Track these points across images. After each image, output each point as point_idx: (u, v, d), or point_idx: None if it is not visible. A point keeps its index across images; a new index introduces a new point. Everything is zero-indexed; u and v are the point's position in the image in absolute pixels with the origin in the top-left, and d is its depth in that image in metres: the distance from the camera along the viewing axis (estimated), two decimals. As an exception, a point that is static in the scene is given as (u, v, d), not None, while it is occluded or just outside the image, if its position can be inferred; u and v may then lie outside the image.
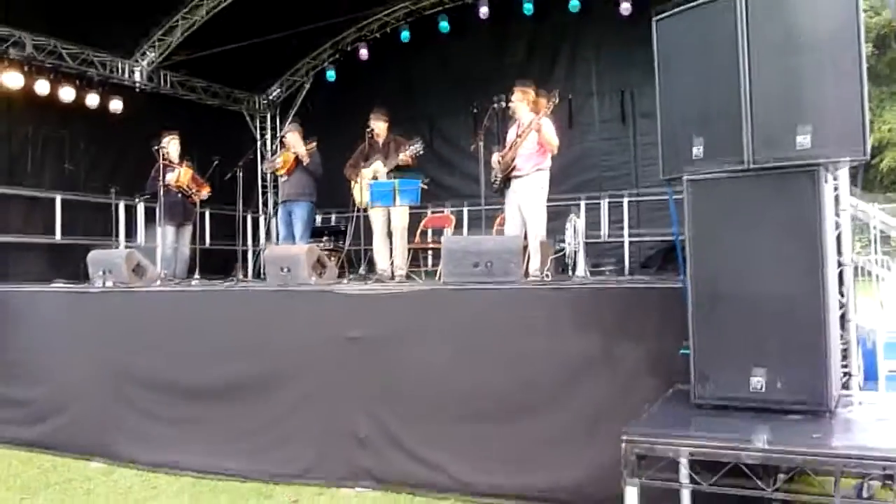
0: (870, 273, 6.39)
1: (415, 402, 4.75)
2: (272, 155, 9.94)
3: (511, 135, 6.65)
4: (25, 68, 8.79)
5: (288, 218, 8.26)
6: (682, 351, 3.50)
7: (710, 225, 3.41)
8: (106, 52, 9.83)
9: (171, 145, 8.22)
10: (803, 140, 3.16)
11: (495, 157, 6.66)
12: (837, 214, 3.82)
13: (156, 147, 8.03)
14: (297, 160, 8.07)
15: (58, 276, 7.30)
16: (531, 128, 6.35)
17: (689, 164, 3.44)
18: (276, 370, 5.21)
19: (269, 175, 11.77)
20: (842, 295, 3.74)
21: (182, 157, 8.39)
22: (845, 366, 3.72)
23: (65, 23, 9.02)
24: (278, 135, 11.76)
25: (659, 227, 9.10)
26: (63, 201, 9.26)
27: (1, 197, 8.70)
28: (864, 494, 2.87)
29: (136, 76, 10.27)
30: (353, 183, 7.65)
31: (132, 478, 5.30)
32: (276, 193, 9.65)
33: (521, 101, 6.50)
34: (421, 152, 7.40)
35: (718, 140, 3.35)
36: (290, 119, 11.90)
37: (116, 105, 9.80)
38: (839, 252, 3.76)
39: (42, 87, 9.00)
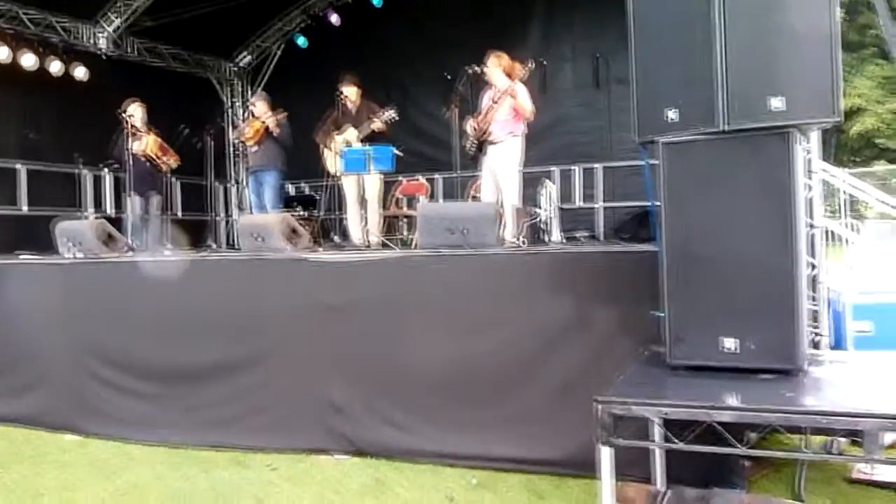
0: (838, 237, 6.49)
1: (391, 369, 4.76)
2: (242, 122, 9.78)
3: (485, 100, 6.60)
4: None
5: (258, 187, 8.18)
6: (653, 312, 3.54)
7: (685, 189, 3.42)
8: (69, 17, 9.54)
9: (135, 112, 8.03)
10: (776, 103, 3.18)
11: (469, 123, 6.61)
12: (809, 178, 3.86)
13: (118, 111, 7.85)
14: (267, 130, 7.96)
15: (24, 248, 7.16)
16: (506, 93, 6.31)
17: (663, 128, 3.45)
18: (250, 339, 5.18)
19: (238, 144, 11.61)
20: (812, 257, 3.78)
21: (148, 124, 8.21)
22: (816, 327, 3.78)
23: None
24: (247, 103, 11.57)
25: (632, 193, 9.12)
26: (28, 171, 9.05)
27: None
28: (834, 450, 2.94)
29: (101, 42, 9.97)
30: (323, 149, 7.56)
31: (107, 449, 5.27)
32: (246, 163, 9.52)
33: (497, 67, 6.44)
34: (396, 118, 7.31)
35: (693, 104, 3.36)
36: (258, 88, 11.72)
37: (80, 72, 9.56)
38: (810, 215, 3.80)
39: (2, 53, 8.73)
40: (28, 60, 8.99)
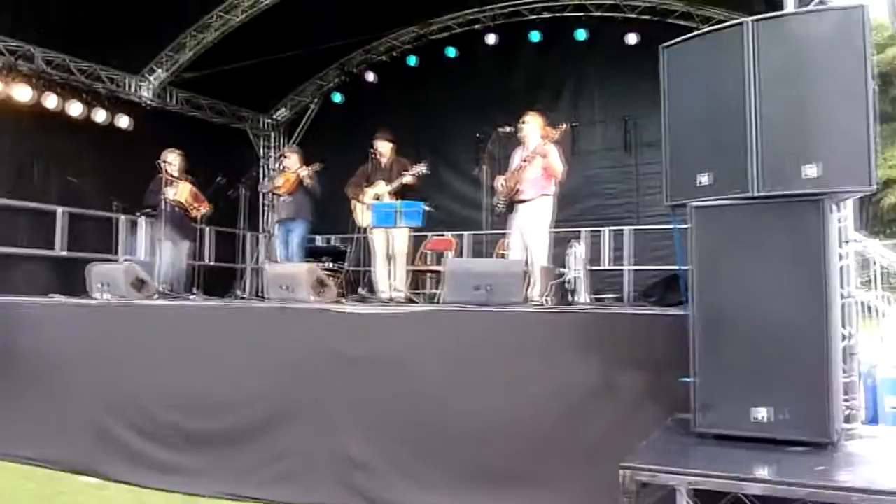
0: (870, 308, 6.36)
1: (411, 424, 4.69)
2: (273, 173, 9.96)
3: (515, 159, 6.66)
4: (34, 81, 8.83)
5: (286, 237, 8.28)
6: (681, 378, 3.47)
7: (715, 254, 3.39)
8: (115, 68, 9.87)
9: (171, 159, 8.22)
10: (809, 170, 3.16)
11: (499, 181, 6.66)
12: (842, 247, 3.80)
13: (158, 161, 8.07)
14: (298, 181, 8.09)
15: (62, 290, 7.26)
16: (537, 153, 6.36)
17: (694, 191, 3.44)
18: (271, 389, 5.15)
19: (270, 195, 11.81)
20: (846, 328, 3.71)
21: (184, 173, 8.39)
22: (848, 399, 3.68)
23: (75, 38, 9.06)
24: (279, 155, 11.81)
25: (660, 256, 9.07)
26: (69, 215, 9.26)
27: (7, 209, 8.69)
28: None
29: (143, 92, 10.30)
30: (353, 203, 7.65)
31: (123, 493, 5.24)
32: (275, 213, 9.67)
33: (535, 123, 6.52)
34: (426, 172, 7.36)
35: (725, 168, 3.35)
36: (294, 142, 11.97)
37: (123, 121, 9.83)
38: (843, 285, 3.74)
39: (51, 101, 9.03)
40: (73, 108, 9.29)
